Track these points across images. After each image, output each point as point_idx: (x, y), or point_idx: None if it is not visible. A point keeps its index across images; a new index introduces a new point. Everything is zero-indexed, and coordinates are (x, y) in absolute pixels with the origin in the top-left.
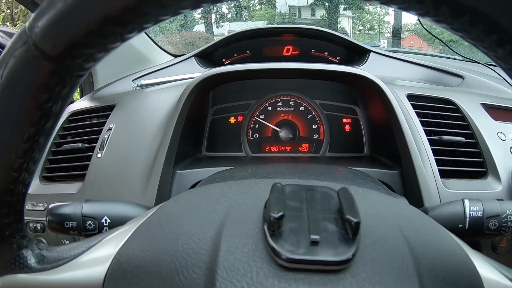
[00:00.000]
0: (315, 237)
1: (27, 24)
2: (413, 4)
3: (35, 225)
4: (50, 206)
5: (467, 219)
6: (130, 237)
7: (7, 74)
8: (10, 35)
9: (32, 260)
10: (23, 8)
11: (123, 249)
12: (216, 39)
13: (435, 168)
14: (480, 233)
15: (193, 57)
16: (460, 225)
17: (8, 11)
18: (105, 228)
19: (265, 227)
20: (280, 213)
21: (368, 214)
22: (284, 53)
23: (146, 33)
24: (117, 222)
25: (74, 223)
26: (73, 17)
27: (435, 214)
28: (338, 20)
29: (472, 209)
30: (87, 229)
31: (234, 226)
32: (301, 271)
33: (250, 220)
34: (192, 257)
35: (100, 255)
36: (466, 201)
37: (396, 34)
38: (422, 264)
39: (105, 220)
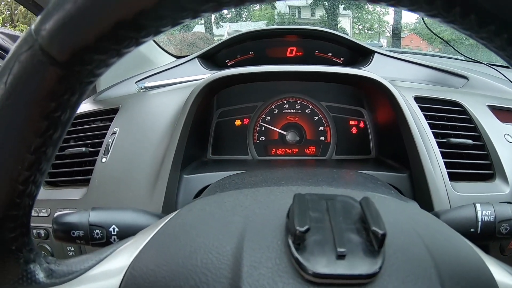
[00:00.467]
0: (341, 250)
1: (33, 26)
2: (441, 12)
3: (38, 231)
4: (56, 214)
5: (479, 223)
6: (144, 249)
7: (11, 80)
8: (11, 37)
9: (40, 275)
10: (23, 9)
11: (136, 261)
12: (216, 39)
13: (444, 171)
14: (491, 237)
15: (196, 59)
16: (472, 230)
17: (8, 12)
18: (113, 237)
19: (290, 241)
20: (306, 227)
21: (387, 221)
22: (288, 54)
23: None
24: (125, 231)
25: (81, 232)
26: (84, 19)
27: (447, 218)
28: (338, 20)
29: (484, 213)
30: (95, 238)
31: (255, 239)
32: (328, 285)
33: (271, 232)
34: (213, 273)
35: (112, 267)
36: (478, 205)
37: (396, 33)
38: (443, 272)
39: (113, 228)
